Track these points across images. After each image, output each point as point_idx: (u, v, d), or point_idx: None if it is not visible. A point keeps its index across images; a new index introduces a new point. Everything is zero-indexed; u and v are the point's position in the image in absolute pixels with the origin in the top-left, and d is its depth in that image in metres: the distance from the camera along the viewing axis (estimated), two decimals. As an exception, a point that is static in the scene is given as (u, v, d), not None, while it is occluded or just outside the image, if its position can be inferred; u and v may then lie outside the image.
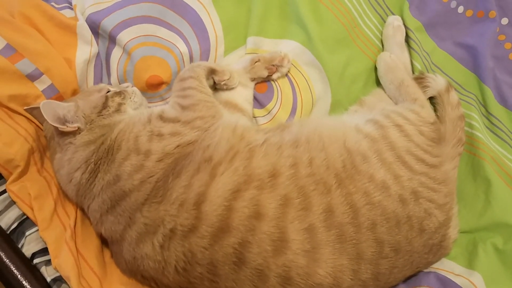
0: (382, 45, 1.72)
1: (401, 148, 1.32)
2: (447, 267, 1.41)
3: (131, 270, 1.26)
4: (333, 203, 1.18)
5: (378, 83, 1.68)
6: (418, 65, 1.67)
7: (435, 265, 1.41)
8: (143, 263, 1.21)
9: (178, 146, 1.25)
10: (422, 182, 1.30)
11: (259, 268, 1.13)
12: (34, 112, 1.38)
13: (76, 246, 1.28)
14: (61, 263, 1.23)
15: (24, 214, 1.31)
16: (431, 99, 1.64)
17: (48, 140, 1.38)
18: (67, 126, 1.28)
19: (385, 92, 1.64)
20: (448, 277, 1.37)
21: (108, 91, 1.39)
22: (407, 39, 1.71)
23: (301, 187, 1.19)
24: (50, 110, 1.25)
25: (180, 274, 1.18)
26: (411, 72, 1.69)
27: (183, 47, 1.52)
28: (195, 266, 1.16)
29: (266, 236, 1.13)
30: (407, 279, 1.36)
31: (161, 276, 1.21)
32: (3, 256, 1.22)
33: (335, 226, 1.16)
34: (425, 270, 1.39)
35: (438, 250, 1.36)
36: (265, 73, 1.54)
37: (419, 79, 1.63)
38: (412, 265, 1.31)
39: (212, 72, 1.47)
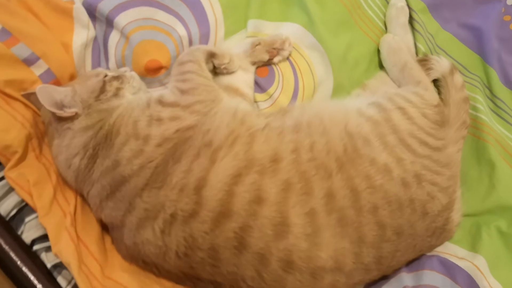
0: (385, 27, 1.69)
1: (404, 131, 1.31)
2: (450, 250, 1.40)
3: (132, 256, 1.25)
4: (334, 188, 1.17)
5: (381, 66, 1.67)
6: (422, 47, 1.65)
7: (438, 249, 1.40)
8: (144, 248, 1.20)
9: (177, 130, 1.24)
10: (425, 165, 1.28)
11: (261, 252, 1.13)
12: (31, 98, 1.36)
13: (76, 233, 1.27)
14: (61, 249, 1.22)
15: (23, 200, 1.30)
16: (435, 81, 1.62)
17: (46, 126, 1.36)
18: (65, 111, 1.26)
19: (388, 75, 1.62)
20: (452, 260, 1.36)
21: (106, 76, 1.37)
22: (411, 20, 1.68)
23: (303, 172, 1.18)
24: (47, 94, 1.23)
25: (181, 259, 1.17)
26: (414, 54, 1.67)
27: (182, 31, 1.49)
28: (196, 251, 1.15)
29: (268, 220, 1.12)
30: (409, 263, 1.35)
31: (162, 261, 1.20)
32: (3, 243, 1.20)
33: (336, 210, 1.16)
34: (428, 254, 1.38)
35: (441, 233, 1.34)
36: (266, 57, 1.52)
37: (423, 61, 1.61)
38: (415, 249, 1.30)
39: (211, 55, 1.45)
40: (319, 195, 1.16)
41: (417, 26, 1.66)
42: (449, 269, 1.34)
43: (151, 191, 1.18)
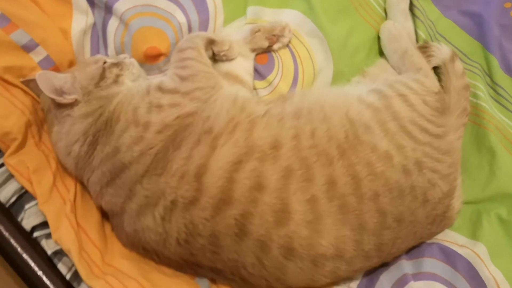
0: (386, 14, 1.68)
1: (404, 118, 1.30)
2: (450, 238, 1.40)
3: (132, 243, 1.25)
4: (335, 174, 1.17)
5: (381, 53, 1.65)
6: (422, 34, 1.64)
7: (439, 236, 1.39)
8: (144, 235, 1.20)
9: (177, 117, 1.23)
10: (426, 152, 1.28)
11: (261, 239, 1.13)
12: (31, 85, 1.35)
13: (76, 219, 1.26)
14: (61, 236, 1.22)
15: (23, 187, 1.29)
16: (435, 68, 1.61)
17: (46, 113, 1.36)
18: (64, 98, 1.26)
19: (389, 62, 1.61)
20: (452, 248, 1.36)
21: (105, 63, 1.36)
22: (411, 7, 1.67)
23: (303, 158, 1.17)
24: (47, 81, 1.23)
25: (181, 246, 1.17)
26: (415, 41, 1.65)
27: (181, 18, 1.48)
28: (196, 238, 1.15)
29: (268, 207, 1.12)
30: (409, 250, 1.35)
31: (163, 248, 1.20)
32: (3, 230, 1.20)
33: (337, 197, 1.15)
34: (428, 241, 1.38)
35: (442, 221, 1.34)
36: (265, 44, 1.51)
37: (423, 49, 1.60)
38: (415, 236, 1.30)
39: (211, 42, 1.44)
40: (320, 182, 1.15)
41: (417, 12, 1.65)
42: (449, 256, 1.34)
43: (151, 178, 1.17)
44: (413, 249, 1.36)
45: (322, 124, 1.24)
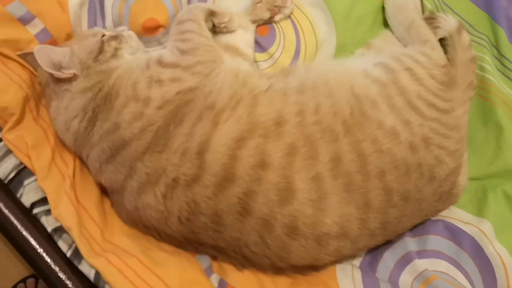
0: (391, -16, 1.63)
1: (411, 93, 1.27)
2: (455, 215, 1.38)
3: (133, 220, 1.24)
4: (340, 151, 1.14)
5: (385, 24, 1.61)
6: (428, 5, 1.59)
7: (444, 213, 1.38)
8: (145, 213, 1.18)
9: (178, 92, 1.20)
10: (433, 128, 1.25)
11: (265, 218, 1.11)
12: (28, 58, 1.32)
13: (76, 196, 1.25)
14: (61, 213, 1.20)
15: (21, 163, 1.27)
16: (442, 40, 1.56)
17: (43, 87, 1.33)
18: (63, 73, 1.22)
19: (394, 34, 1.57)
20: (457, 225, 1.35)
21: (104, 36, 1.32)
22: (417, -24, 1.62)
23: (308, 135, 1.15)
24: (45, 55, 1.19)
25: (183, 224, 1.16)
26: (421, 12, 1.60)
27: (181, -12, 1.44)
28: (198, 216, 1.13)
29: (272, 185, 1.10)
30: (414, 227, 1.34)
31: (164, 226, 1.18)
32: (2, 207, 1.19)
33: (342, 174, 1.13)
34: (433, 218, 1.37)
35: (448, 198, 1.33)
36: (267, 15, 1.47)
37: (430, 20, 1.55)
38: (421, 214, 1.29)
39: (211, 14, 1.40)
40: (325, 160, 1.13)
41: (423, -18, 1.60)
42: (454, 233, 1.33)
43: (152, 155, 1.15)
44: (418, 226, 1.35)
45: (326, 99, 1.21)
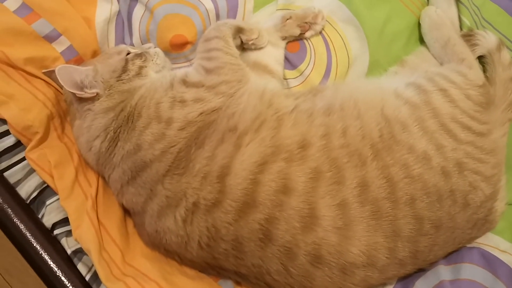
0: (427, -1, 1.58)
1: (445, 115, 1.21)
2: (492, 242, 1.31)
3: (154, 243, 1.22)
4: (368, 177, 1.09)
5: (421, 41, 1.55)
6: (466, 21, 1.53)
7: (479, 240, 1.31)
8: (165, 237, 1.16)
9: (201, 113, 1.17)
10: (468, 152, 1.19)
11: (287, 245, 1.07)
12: (53, 75, 1.31)
13: (97, 217, 1.24)
14: (82, 234, 1.19)
15: (44, 182, 1.27)
16: (480, 58, 1.50)
17: (68, 105, 1.33)
18: (85, 92, 1.21)
19: (429, 51, 1.51)
20: (493, 253, 1.27)
21: (129, 53, 1.31)
22: (455, -9, 1.56)
23: (334, 159, 1.10)
24: (67, 75, 1.19)
25: (203, 249, 1.13)
26: (458, 28, 1.54)
27: (208, 4, 1.42)
28: (219, 242, 1.10)
29: (295, 212, 1.06)
30: (448, 255, 1.27)
31: (184, 251, 1.16)
32: (23, 228, 1.19)
33: (370, 201, 1.08)
34: (468, 246, 1.30)
35: (483, 224, 1.26)
36: (297, 31, 1.43)
37: (468, 37, 1.49)
38: (454, 242, 1.22)
39: (239, 30, 1.37)
40: (352, 185, 1.08)
41: (462, -3, 1.54)
42: (490, 262, 1.26)
43: (173, 178, 1.13)
44: (452, 254, 1.28)
45: (355, 121, 1.17)
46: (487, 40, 1.48)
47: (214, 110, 1.18)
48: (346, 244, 1.07)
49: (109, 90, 1.24)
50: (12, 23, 1.29)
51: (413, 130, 1.17)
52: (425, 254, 1.16)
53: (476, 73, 1.37)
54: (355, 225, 1.07)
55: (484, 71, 1.48)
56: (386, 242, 1.09)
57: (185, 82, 1.23)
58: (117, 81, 1.25)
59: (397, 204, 1.09)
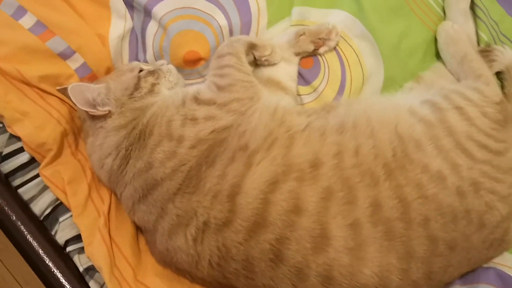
0: (444, 14, 1.55)
1: (460, 134, 1.19)
2: (508, 262, 1.28)
3: (165, 261, 1.21)
4: (380, 197, 1.07)
5: (438, 56, 1.53)
6: (484, 36, 1.51)
7: (496, 260, 1.28)
8: (176, 255, 1.15)
9: (212, 131, 1.17)
10: (484, 171, 1.17)
11: (298, 266, 1.05)
12: (67, 93, 1.31)
13: (109, 234, 1.24)
14: (93, 252, 1.20)
15: (58, 199, 1.28)
16: (498, 74, 1.47)
17: (82, 122, 1.33)
18: (98, 110, 1.22)
19: (446, 67, 1.49)
20: (509, 273, 1.25)
21: (141, 70, 1.31)
22: (473, 6, 1.53)
23: (346, 178, 1.09)
24: (79, 93, 1.19)
25: (214, 269, 1.12)
26: (475, 44, 1.52)
27: (222, 20, 1.41)
28: (229, 262, 1.09)
29: (306, 232, 1.04)
30: (464, 275, 1.24)
31: (195, 270, 1.15)
32: (36, 245, 1.19)
33: (382, 221, 1.06)
34: (485, 266, 1.27)
35: (500, 245, 1.23)
36: (311, 47, 1.42)
37: (485, 52, 1.47)
38: (470, 262, 1.19)
39: (252, 47, 1.37)
40: (364, 205, 1.07)
41: (479, 12, 1.52)
42: (507, 283, 1.23)
43: (183, 196, 1.12)
44: (468, 273, 1.25)
45: (368, 140, 1.15)
46: (505, 55, 1.45)
47: (225, 128, 1.18)
48: (358, 265, 1.05)
49: (121, 108, 1.24)
50: (27, 41, 1.31)
51: (428, 148, 1.15)
52: (440, 275, 1.13)
53: (493, 89, 1.35)
54: (367, 245, 1.05)
55: (502, 87, 1.45)
56: (399, 263, 1.06)
57: (196, 100, 1.23)
58: (129, 98, 1.26)
59: (410, 224, 1.07)
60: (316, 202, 1.06)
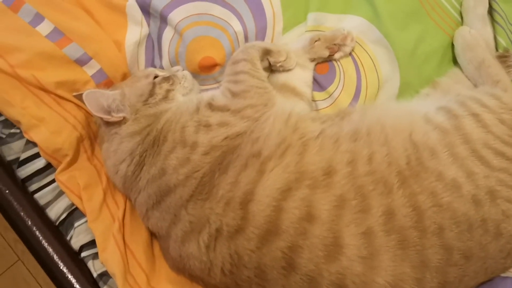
0: (461, 18, 1.53)
1: (477, 141, 1.17)
2: (527, 271, 1.26)
3: (178, 268, 1.21)
4: (394, 205, 1.06)
5: (454, 62, 1.51)
6: (502, 41, 1.48)
7: (514, 269, 1.26)
8: (189, 262, 1.15)
9: (226, 138, 1.17)
10: (501, 179, 1.14)
11: (311, 274, 1.04)
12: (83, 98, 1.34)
13: (124, 239, 1.25)
14: (107, 258, 1.21)
15: (73, 204, 1.29)
16: (517, 80, 1.45)
17: (98, 127, 1.34)
18: (112, 116, 1.23)
19: (463, 73, 1.47)
20: (529, 283, 1.22)
21: (156, 76, 1.31)
22: (491, 11, 1.51)
23: (359, 186, 1.07)
24: (94, 100, 1.20)
25: (227, 276, 1.11)
26: (494, 49, 1.50)
27: (237, 26, 1.42)
28: (242, 269, 1.09)
29: (319, 240, 1.03)
30: (480, 284, 1.22)
31: (208, 277, 1.14)
32: (50, 251, 1.20)
33: (396, 230, 1.05)
34: (502, 275, 1.24)
35: (518, 254, 1.21)
36: (326, 53, 1.42)
37: (503, 58, 1.44)
38: (486, 272, 1.17)
39: (267, 53, 1.37)
40: (377, 213, 1.05)
41: (497, 17, 1.49)
42: (525, 293, 1.21)
43: (196, 203, 1.12)
44: (485, 283, 1.22)
45: (381, 147, 1.14)
46: (524, 61, 1.43)
47: (238, 135, 1.18)
48: (372, 274, 1.03)
49: (135, 114, 1.25)
50: (44, 48, 1.32)
51: (443, 156, 1.13)
52: (455, 285, 1.11)
53: (511, 95, 1.32)
54: (380, 254, 1.04)
55: (521, 93, 1.43)
56: (413, 272, 1.05)
57: (211, 106, 1.23)
58: (144, 105, 1.27)
59: (424, 233, 1.05)
60: (329, 210, 1.05)
